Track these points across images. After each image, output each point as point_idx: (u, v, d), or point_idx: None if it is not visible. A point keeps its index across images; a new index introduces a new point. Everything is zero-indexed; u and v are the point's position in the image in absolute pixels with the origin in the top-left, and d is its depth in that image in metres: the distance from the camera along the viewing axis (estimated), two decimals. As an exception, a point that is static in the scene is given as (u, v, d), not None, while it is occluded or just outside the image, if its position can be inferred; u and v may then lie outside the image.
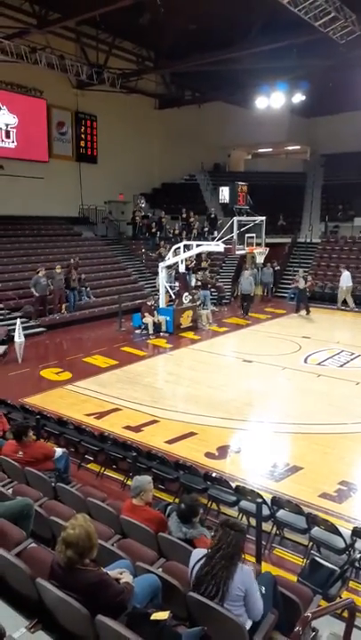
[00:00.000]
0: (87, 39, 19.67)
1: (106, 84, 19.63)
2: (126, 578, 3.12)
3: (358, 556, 4.75)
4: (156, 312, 15.15)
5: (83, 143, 22.50)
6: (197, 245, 16.53)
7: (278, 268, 21.31)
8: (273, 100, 21.41)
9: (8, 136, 19.50)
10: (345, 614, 3.31)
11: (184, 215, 23.18)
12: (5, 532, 3.51)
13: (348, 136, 24.06)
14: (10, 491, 4.56)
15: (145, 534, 4.12)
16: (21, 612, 2.98)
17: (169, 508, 4.84)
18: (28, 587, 2.99)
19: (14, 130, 19.66)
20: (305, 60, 18.54)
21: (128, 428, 8.19)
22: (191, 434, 7.99)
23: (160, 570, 3.56)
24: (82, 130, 22.37)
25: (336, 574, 4.38)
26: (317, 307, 18.49)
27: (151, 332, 14.67)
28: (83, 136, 22.46)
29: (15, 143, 19.74)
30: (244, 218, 15.53)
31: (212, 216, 22.56)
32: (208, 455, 7.29)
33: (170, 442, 7.67)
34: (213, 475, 5.92)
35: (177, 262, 15.91)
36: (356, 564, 4.79)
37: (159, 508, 4.85)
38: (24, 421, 5.85)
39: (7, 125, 19.42)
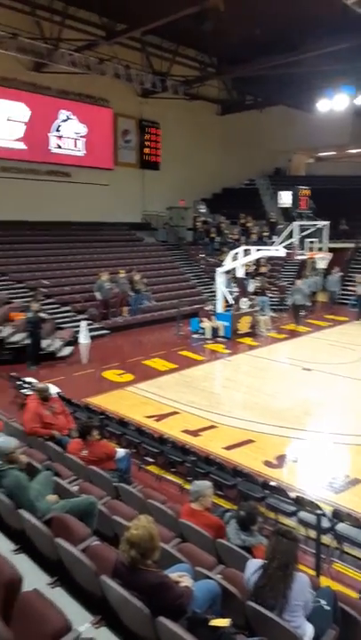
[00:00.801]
0: (152, 48, 20.09)
1: (169, 92, 19.95)
2: (186, 582, 3.17)
3: None
4: (214, 317, 15.19)
5: (146, 150, 22.96)
6: (257, 250, 16.41)
7: (341, 273, 20.71)
8: (336, 103, 20.90)
9: (77, 145, 20.24)
10: None
11: (243, 220, 23.09)
12: (71, 528, 3.66)
13: None
14: (75, 488, 4.74)
15: (204, 539, 4.16)
16: (86, 607, 3.10)
17: (227, 514, 4.86)
18: (92, 583, 3.11)
19: (83, 139, 20.40)
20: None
21: (186, 431, 8.27)
22: (249, 441, 7.95)
23: (219, 576, 3.59)
24: (145, 137, 22.84)
25: None
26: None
27: (209, 336, 14.72)
28: (146, 143, 22.91)
29: (83, 151, 20.46)
30: (305, 222, 15.26)
31: (272, 221, 22.32)
32: (266, 463, 7.24)
33: (228, 448, 7.68)
34: (272, 483, 5.88)
35: (235, 267, 15.87)
36: None
37: (217, 514, 4.88)
38: (89, 421, 6.05)
39: (77, 134, 20.18)
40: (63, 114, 19.71)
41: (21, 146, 18.59)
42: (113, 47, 17.96)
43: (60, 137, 19.69)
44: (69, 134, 19.97)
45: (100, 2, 16.22)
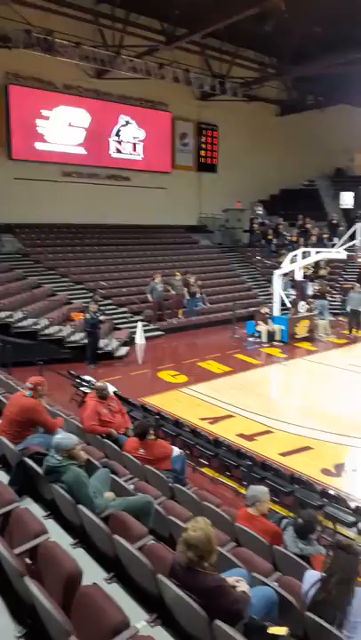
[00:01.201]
0: (211, 51, 20.11)
1: (228, 94, 19.89)
2: (243, 587, 3.10)
3: None
4: (270, 320, 14.96)
5: (203, 153, 23.01)
6: (316, 252, 16.02)
7: None
8: None
9: (135, 149, 20.60)
10: None
11: (301, 221, 22.61)
12: (128, 526, 3.69)
13: None
14: (131, 486, 4.79)
15: (260, 545, 4.08)
16: (141, 605, 3.11)
17: (284, 521, 4.75)
18: (148, 581, 3.11)
19: (141, 143, 20.73)
20: None
21: (241, 435, 8.18)
22: (306, 448, 7.77)
23: (276, 584, 3.51)
24: (203, 140, 22.89)
25: None
26: None
27: (265, 340, 14.51)
28: (203, 146, 22.96)
29: (141, 156, 20.79)
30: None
31: (333, 222, 21.72)
32: (324, 472, 7.03)
33: (284, 454, 7.53)
34: (331, 492, 5.70)
35: (294, 270, 15.57)
36: None
37: (274, 521, 4.77)
38: (146, 421, 6.09)
39: (135, 139, 20.54)
40: (123, 119, 20.12)
41: (82, 151, 19.15)
42: (173, 51, 18.13)
43: (119, 142, 20.11)
44: (128, 139, 20.36)
45: (160, 8, 16.42)
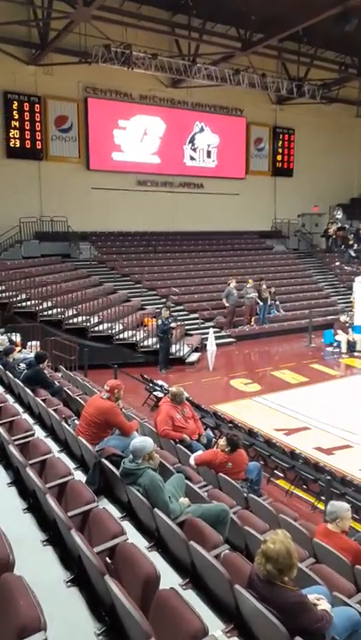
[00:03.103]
0: (288, 54, 19.83)
1: (306, 97, 19.48)
2: (324, 605, 2.97)
3: None
4: (350, 330, 14.36)
5: (279, 157, 22.67)
6: None
7: None
8: None
9: (209, 155, 20.71)
10: None
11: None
12: (204, 533, 3.63)
13: None
14: (205, 494, 4.73)
15: (341, 563, 3.88)
16: (217, 614, 3.05)
17: (366, 540, 4.49)
18: (225, 591, 3.04)
19: (215, 149, 20.81)
20: None
21: (319, 449, 7.89)
22: (390, 464, 7.33)
23: (358, 605, 3.31)
24: (279, 144, 22.57)
25: None
26: None
27: (344, 350, 13.96)
28: (280, 150, 22.64)
29: (215, 162, 20.86)
30: None
31: None
32: None
33: (366, 470, 7.16)
34: None
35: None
36: None
37: (355, 539, 4.53)
38: (234, 434, 5.89)
39: (209, 145, 20.65)
40: (198, 126, 20.29)
41: (156, 159, 19.52)
42: (249, 57, 18.05)
43: (194, 149, 20.29)
44: (203, 146, 20.50)
45: (236, 14, 16.42)
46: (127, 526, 3.83)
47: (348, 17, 15.27)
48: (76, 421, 5.56)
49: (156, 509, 3.65)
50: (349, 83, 21.31)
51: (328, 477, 5.63)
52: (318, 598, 3.01)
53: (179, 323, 14.24)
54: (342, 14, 14.92)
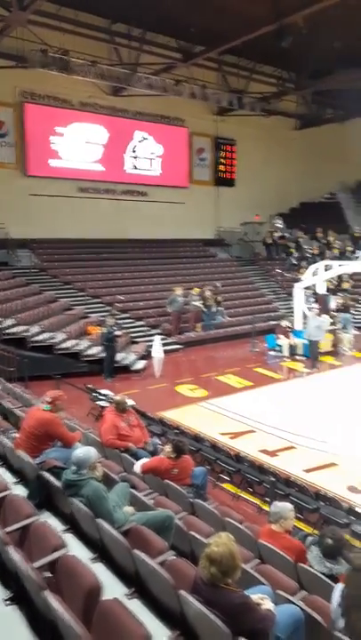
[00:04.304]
0: (228, 67, 20.32)
1: (246, 109, 20.00)
2: (268, 604, 3.00)
3: None
4: (291, 334, 14.78)
5: (221, 167, 23.11)
6: (339, 265, 15.85)
7: None
8: None
9: (152, 165, 20.82)
10: None
11: (322, 234, 22.46)
12: (149, 541, 3.60)
13: None
14: (151, 501, 4.70)
15: (284, 563, 3.95)
16: (163, 621, 3.01)
17: (309, 539, 4.59)
18: (170, 597, 3.02)
19: (159, 158, 20.94)
20: None
21: (264, 451, 8.02)
22: (332, 465, 7.56)
23: (301, 602, 3.37)
24: (221, 155, 23.02)
25: None
26: None
27: (286, 354, 14.32)
28: (222, 160, 23.08)
29: (159, 171, 20.99)
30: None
31: (357, 235, 21.53)
32: (351, 489, 6.82)
33: (308, 470, 7.34)
34: (359, 510, 5.51)
35: (315, 283, 15.41)
36: None
37: (298, 538, 4.62)
38: (179, 440, 5.88)
39: (153, 154, 20.77)
40: (139, 135, 20.36)
41: (99, 167, 19.40)
42: (189, 68, 18.35)
43: (135, 157, 20.32)
44: (145, 154, 20.58)
45: (177, 26, 16.67)
46: (70, 539, 3.73)
47: (283, 34, 15.85)
48: (15, 434, 5.38)
49: (99, 519, 3.58)
50: (287, 97, 22.09)
51: (272, 479, 5.73)
52: (262, 598, 3.04)
53: (124, 331, 14.15)
54: (278, 31, 15.48)
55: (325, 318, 14.78)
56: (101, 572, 3.34)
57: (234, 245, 23.03)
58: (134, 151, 20.34)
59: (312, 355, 13.58)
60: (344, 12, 14.83)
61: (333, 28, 16.42)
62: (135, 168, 20.41)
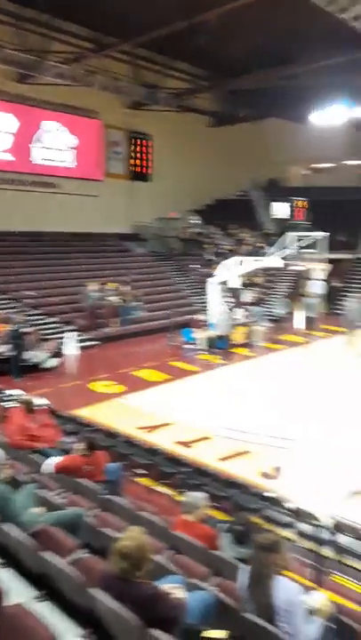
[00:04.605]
0: (142, 61, 20.20)
1: (160, 104, 20.02)
2: (179, 593, 3.03)
3: None
4: (207, 327, 15.06)
5: (137, 162, 23.01)
6: (252, 261, 16.38)
7: (339, 284, 20.75)
8: (332, 116, 21.06)
9: (65, 156, 20.24)
10: None
11: (236, 231, 23.13)
12: (58, 541, 3.49)
13: None
14: (63, 500, 4.56)
15: (197, 550, 4.00)
16: (75, 621, 2.94)
17: (222, 526, 4.70)
18: (80, 595, 2.95)
19: (74, 150, 20.40)
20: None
21: (180, 443, 8.09)
22: (245, 452, 7.80)
23: (213, 587, 3.44)
24: (136, 149, 22.89)
25: None
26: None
27: (202, 347, 14.58)
28: (137, 155, 22.97)
29: (72, 163, 20.46)
30: (301, 233, 15.28)
31: (268, 232, 22.37)
32: (263, 475, 7.06)
33: (222, 459, 7.51)
34: (268, 495, 5.72)
35: (229, 278, 15.83)
36: None
37: (211, 526, 4.71)
38: (89, 436, 5.77)
39: (65, 145, 20.19)
40: (50, 125, 19.72)
41: (9, 157, 18.54)
42: (102, 59, 18.02)
43: (45, 148, 19.65)
44: (57, 145, 19.97)
45: (89, 16, 16.29)
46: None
47: (197, 31, 16.05)
48: None
49: (2, 524, 3.41)
50: (202, 94, 22.40)
51: (186, 470, 5.80)
52: (173, 587, 3.06)
53: (34, 328, 13.64)
54: (192, 28, 15.63)
55: (236, 312, 15.27)
56: (8, 578, 3.20)
57: (150, 240, 23.05)
58: (42, 141, 19.61)
59: (222, 347, 13.88)
60: (258, 13, 15.27)
61: (248, 28, 16.85)
62: (46, 159, 19.72)
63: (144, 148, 23.21)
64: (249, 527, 3.95)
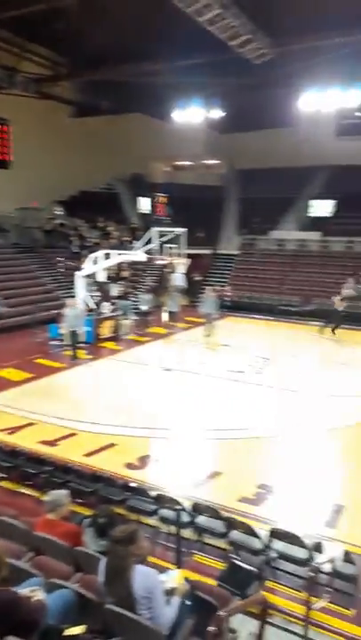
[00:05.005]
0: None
1: (18, 88, 19.01)
2: (38, 595, 2.98)
3: (274, 555, 4.87)
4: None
5: (-6, 147, 21.56)
6: (118, 254, 16.40)
7: (200, 278, 21.72)
8: (191, 115, 21.80)
9: None
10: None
11: (102, 224, 22.96)
12: None
13: (262, 153, 25.14)
14: None
15: (60, 549, 3.95)
16: None
17: (85, 521, 4.68)
18: None
19: None
20: (222, 77, 19.12)
21: (44, 442, 7.86)
22: (111, 445, 7.84)
23: (76, 584, 3.43)
24: (-8, 134, 21.45)
25: (253, 575, 4.46)
26: (238, 316, 19.19)
27: (69, 342, 14.25)
28: (-6, 140, 21.52)
29: None
30: (163, 228, 15.66)
31: (133, 226, 22.55)
32: (129, 466, 7.18)
33: (89, 454, 7.47)
34: (132, 485, 5.83)
35: (96, 272, 15.68)
36: (273, 564, 4.91)
37: (76, 522, 4.67)
38: None
39: None
40: None
41: None
42: None
43: None
44: None
45: None
46: None
47: (56, 16, 15.51)
48: None
49: None
50: (63, 82, 21.71)
51: (50, 468, 5.66)
52: (32, 590, 2.99)
53: None
54: (51, 11, 15.06)
55: (103, 306, 15.22)
56: None
57: (11, 232, 21.83)
58: None
59: (73, 344, 13.37)
60: (121, 5, 15.16)
61: (111, 19, 16.67)
62: None
63: (3, 134, 21.85)
64: (111, 519, 3.99)
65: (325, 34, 14.72)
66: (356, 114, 23.83)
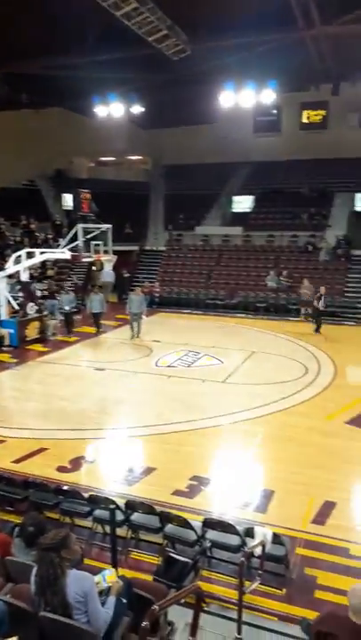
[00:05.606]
0: None
1: None
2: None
3: (208, 545, 4.99)
4: (-3, 324, 14.23)
5: None
6: (41, 253, 15.94)
7: (128, 274, 21.62)
8: (113, 110, 21.57)
9: None
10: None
11: (25, 222, 22.20)
12: None
13: (186, 149, 25.40)
14: None
15: (-11, 562, 3.82)
16: None
17: (17, 529, 4.56)
18: None
19: None
20: (142, 72, 19.07)
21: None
22: (42, 450, 7.65)
23: (7, 595, 3.34)
24: None
25: (189, 566, 4.56)
26: (167, 311, 19.31)
27: (-7, 346, 13.74)
28: None
29: None
30: (89, 225, 15.40)
31: (57, 223, 21.99)
32: (60, 469, 7.05)
33: (18, 461, 7.25)
34: (65, 488, 5.74)
35: (19, 271, 15.16)
36: (208, 553, 5.04)
37: (7, 532, 4.54)
38: None
39: None
40: None
41: None
42: None
43: None
44: None
45: None
46: None
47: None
48: None
49: None
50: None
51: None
52: None
53: None
54: None
55: (27, 306, 14.74)
56: None
57: None
58: None
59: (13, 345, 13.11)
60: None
61: (28, 11, 16.06)
62: None
63: None
64: (40, 526, 3.90)
65: (240, 32, 15.11)
66: (273, 111, 24.76)
